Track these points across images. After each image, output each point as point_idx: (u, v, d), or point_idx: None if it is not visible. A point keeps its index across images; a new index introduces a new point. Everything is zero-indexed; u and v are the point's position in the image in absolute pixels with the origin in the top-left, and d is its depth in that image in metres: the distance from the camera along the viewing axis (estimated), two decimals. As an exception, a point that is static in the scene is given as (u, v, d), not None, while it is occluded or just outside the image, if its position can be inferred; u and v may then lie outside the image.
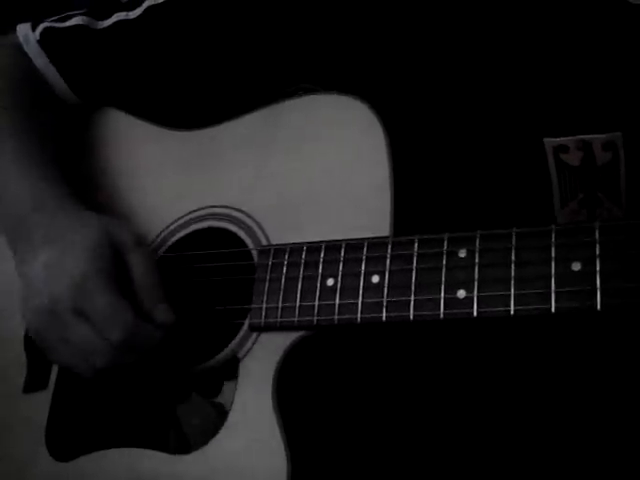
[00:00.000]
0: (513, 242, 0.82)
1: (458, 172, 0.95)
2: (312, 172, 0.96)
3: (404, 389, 0.93)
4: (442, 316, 0.84)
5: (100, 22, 1.13)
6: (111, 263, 0.96)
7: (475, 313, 0.82)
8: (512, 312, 0.81)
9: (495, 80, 0.97)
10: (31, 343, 1.08)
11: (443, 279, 0.84)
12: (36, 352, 1.07)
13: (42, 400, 1.05)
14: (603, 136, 0.91)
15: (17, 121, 1.10)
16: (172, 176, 1.07)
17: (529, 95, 0.95)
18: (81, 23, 1.13)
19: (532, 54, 0.96)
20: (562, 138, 0.93)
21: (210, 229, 1.02)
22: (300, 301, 0.91)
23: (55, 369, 1.06)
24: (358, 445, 0.92)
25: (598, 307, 0.77)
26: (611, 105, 0.93)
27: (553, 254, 0.80)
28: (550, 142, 0.93)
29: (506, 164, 0.95)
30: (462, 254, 0.85)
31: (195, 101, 1.11)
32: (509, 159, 0.95)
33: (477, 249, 0.84)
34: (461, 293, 0.83)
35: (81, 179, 1.12)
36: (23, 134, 1.09)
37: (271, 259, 0.95)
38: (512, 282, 0.81)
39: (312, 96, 1.00)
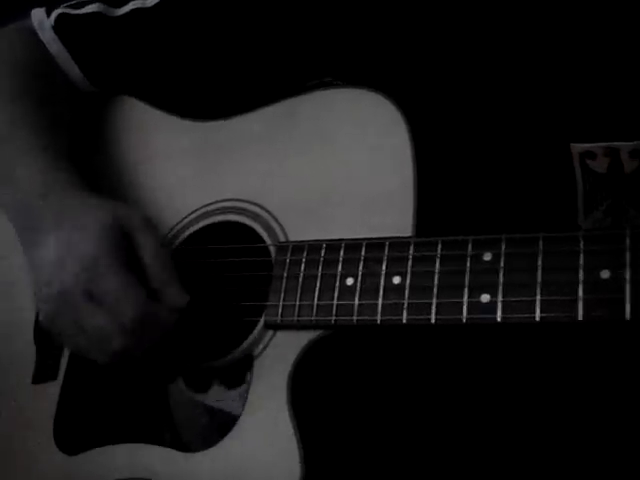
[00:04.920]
0: (540, 247, 0.80)
1: (482, 174, 0.93)
2: (333, 167, 0.94)
3: (420, 390, 0.91)
4: (465, 320, 0.82)
5: (116, 10, 1.11)
6: (120, 245, 0.95)
7: (499, 318, 0.80)
8: (537, 318, 0.79)
9: (523, 83, 0.95)
10: (41, 333, 1.07)
11: (467, 282, 0.82)
12: (46, 342, 1.07)
13: (51, 391, 1.04)
14: (631, 144, 0.89)
15: (29, 108, 1.08)
16: (187, 167, 1.05)
17: (557, 99, 0.93)
18: (97, 10, 1.10)
19: (562, 58, 0.94)
20: (589, 144, 0.91)
21: (225, 223, 1.00)
22: (318, 300, 0.89)
23: (65, 360, 1.05)
24: (372, 446, 0.90)
25: (627, 317, 0.75)
26: None
27: (581, 261, 0.78)
28: (577, 147, 0.91)
29: (531, 168, 0.93)
30: (487, 257, 0.83)
31: (212, 92, 1.08)
32: (535, 163, 0.93)
33: (503, 253, 0.82)
34: (485, 297, 0.81)
35: (94, 168, 1.09)
36: (35, 122, 1.07)
37: (289, 256, 0.93)
38: (538, 288, 0.79)
39: (332, 89, 0.98)
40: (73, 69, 1.13)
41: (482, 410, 0.92)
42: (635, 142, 0.89)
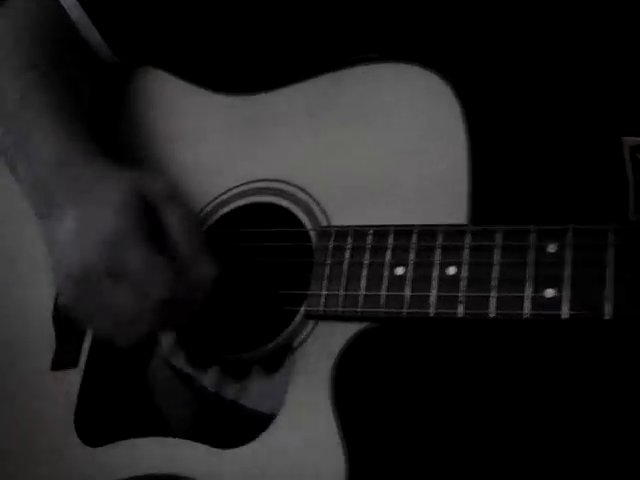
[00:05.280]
0: (610, 239, 0.75)
1: (532, 166, 0.88)
2: (379, 148, 0.88)
3: (467, 386, 0.86)
4: (527, 316, 0.77)
5: None
6: (144, 218, 0.87)
7: (566, 315, 0.75)
8: (608, 316, 0.74)
9: (575, 76, 0.90)
10: (60, 316, 1.01)
11: (529, 275, 0.77)
12: (66, 326, 1.00)
13: (72, 379, 0.98)
14: None
15: (48, 75, 1.01)
16: (218, 144, 0.98)
17: (608, 93, 0.89)
18: None
19: (615, 52, 0.90)
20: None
21: (260, 204, 0.94)
22: (365, 290, 0.84)
23: (87, 346, 0.99)
24: (418, 443, 0.85)
25: None
26: None
27: (656, 255, 0.73)
28: (628, 141, 0.87)
29: (582, 161, 0.88)
30: (551, 249, 0.77)
31: (247, 63, 1.01)
32: (585, 156, 0.88)
33: (569, 244, 0.77)
34: (549, 292, 0.76)
35: (116, 143, 1.03)
36: (53, 88, 1.00)
37: (332, 241, 0.87)
38: (609, 283, 0.74)
39: (379, 64, 0.92)
40: (94, 36, 1.05)
41: (521, 406, 0.88)
42: None
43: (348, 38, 0.96)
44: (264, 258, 0.94)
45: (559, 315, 0.75)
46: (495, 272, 0.78)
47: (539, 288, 0.76)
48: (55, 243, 0.90)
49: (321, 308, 0.85)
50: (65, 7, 1.05)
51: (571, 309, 0.75)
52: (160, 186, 0.90)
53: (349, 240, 0.86)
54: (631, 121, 0.87)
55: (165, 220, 0.89)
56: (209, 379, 0.93)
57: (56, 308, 1.02)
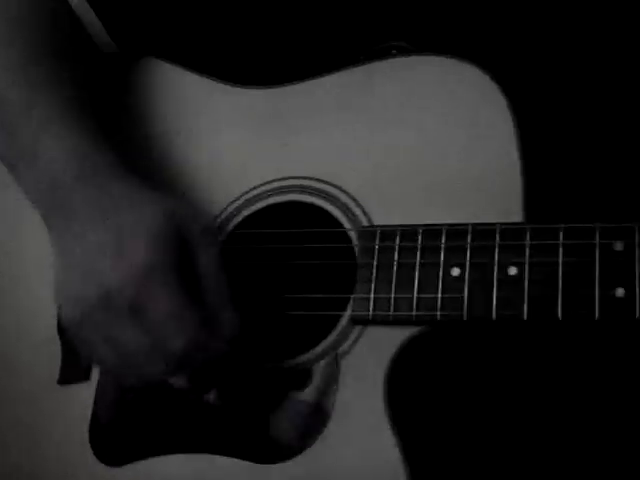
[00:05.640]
0: (680, 237, 0.74)
1: (575, 162, 0.86)
2: (422, 144, 0.84)
3: (522, 389, 0.83)
4: (598, 316, 0.74)
5: None
6: (177, 257, 0.80)
7: (639, 314, 0.73)
8: (683, 314, 0.72)
9: (605, 61, 0.89)
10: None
11: (597, 275, 0.75)
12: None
13: (83, 394, 0.91)
14: None
15: (51, 69, 0.92)
16: (242, 139, 0.92)
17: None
18: None
19: None
20: None
21: (290, 203, 0.89)
22: (418, 292, 0.80)
23: (99, 358, 0.92)
24: (474, 447, 0.82)
25: None
26: None
27: None
28: None
29: (622, 156, 0.87)
30: (618, 247, 0.75)
31: (267, 52, 0.95)
32: (625, 151, 0.87)
33: (638, 243, 0.75)
34: (620, 291, 0.74)
35: (127, 141, 0.96)
36: (60, 86, 0.91)
37: (378, 242, 0.83)
38: (682, 281, 0.73)
39: (415, 57, 0.88)
40: (96, 25, 0.98)
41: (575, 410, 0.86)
42: None
43: (376, 27, 0.92)
44: (295, 261, 0.89)
45: (634, 315, 0.73)
46: (560, 271, 0.76)
47: (609, 288, 0.75)
48: (72, 258, 0.81)
49: (370, 312, 0.81)
50: None
51: (645, 309, 0.73)
52: (197, 220, 0.83)
53: (397, 240, 0.82)
54: None
55: (197, 259, 0.81)
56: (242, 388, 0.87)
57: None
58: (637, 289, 0.74)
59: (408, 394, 0.80)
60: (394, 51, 0.92)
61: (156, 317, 0.78)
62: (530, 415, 0.83)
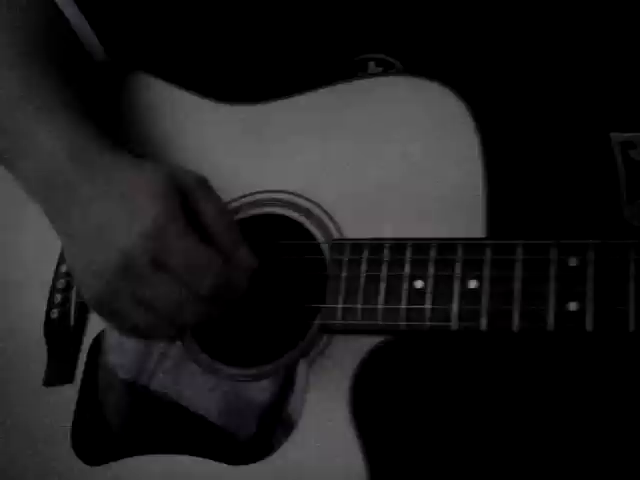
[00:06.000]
0: (632, 255, 0.77)
1: (525, 167, 0.90)
2: (389, 162, 0.88)
3: (482, 397, 0.87)
4: (551, 328, 0.78)
5: None
6: (182, 209, 0.84)
7: (590, 328, 0.77)
8: (632, 329, 0.76)
9: (563, 74, 0.93)
10: (53, 329, 0.97)
11: (552, 289, 0.79)
12: (59, 339, 0.97)
13: (67, 395, 0.95)
14: None
15: (46, 71, 0.96)
16: (222, 155, 0.97)
17: (597, 89, 0.92)
18: None
19: (601, 48, 0.93)
20: (629, 134, 0.90)
21: (267, 216, 0.93)
22: (385, 303, 0.84)
23: (83, 360, 0.96)
24: (439, 455, 0.86)
25: None
26: None
27: (677, 270, 0.76)
28: (616, 137, 0.90)
29: (572, 158, 0.90)
30: (573, 263, 0.79)
31: (249, 70, 1.00)
32: (575, 153, 0.91)
33: (591, 259, 0.78)
34: (572, 306, 0.78)
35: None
36: (57, 88, 0.95)
37: (348, 255, 0.87)
38: (631, 298, 0.76)
39: (387, 77, 0.93)
40: (89, 35, 1.02)
41: (540, 418, 0.90)
42: None
43: (356, 40, 0.97)
44: (273, 271, 0.93)
45: (584, 328, 0.77)
46: (517, 286, 0.80)
47: (562, 302, 0.78)
48: (81, 238, 0.85)
49: (338, 322, 0.85)
50: (59, 5, 1.01)
51: (595, 322, 0.77)
52: (193, 176, 0.87)
53: (365, 253, 0.86)
54: (619, 117, 0.90)
55: (200, 209, 0.86)
56: (220, 392, 0.91)
57: (48, 321, 0.98)
58: (588, 304, 0.78)
59: (372, 400, 0.84)
60: (371, 62, 0.96)
61: (179, 265, 0.82)
62: (491, 420, 0.87)
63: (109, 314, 0.85)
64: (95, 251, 0.83)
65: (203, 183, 0.87)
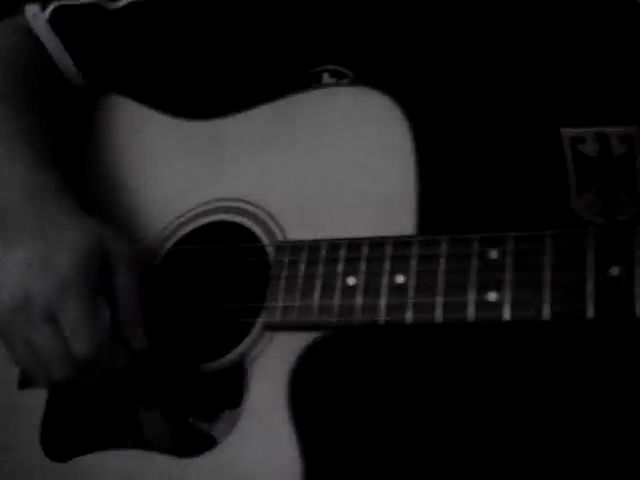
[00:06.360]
0: (548, 244, 0.79)
1: (475, 163, 0.92)
2: (331, 166, 0.92)
3: (424, 392, 0.89)
4: (471, 319, 0.80)
5: (113, 2, 1.09)
6: (97, 273, 0.90)
7: (507, 317, 0.79)
8: (546, 317, 0.77)
9: (513, 70, 0.95)
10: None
11: (473, 281, 0.81)
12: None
13: (38, 397, 1.00)
14: (620, 129, 0.90)
15: (17, 103, 1.04)
16: (181, 167, 1.02)
17: (547, 85, 0.94)
18: (94, 2, 1.08)
19: (551, 44, 0.95)
20: (579, 129, 0.92)
21: (222, 223, 0.98)
22: (319, 300, 0.87)
23: (53, 365, 1.02)
24: (374, 449, 0.88)
25: (638, 315, 0.74)
26: (629, 99, 0.92)
27: (590, 258, 0.77)
28: (567, 132, 0.92)
29: (522, 153, 0.93)
30: (493, 255, 0.81)
31: (210, 88, 1.06)
32: (525, 148, 0.93)
33: (510, 251, 0.80)
34: (492, 296, 0.80)
35: (81, 166, 1.07)
36: (22, 119, 1.03)
37: (288, 256, 0.90)
38: (547, 286, 0.78)
39: (329, 88, 0.98)
40: (66, 61, 1.09)
41: (485, 411, 0.91)
42: (624, 127, 0.90)
43: (308, 53, 1.01)
44: (224, 274, 0.98)
45: (501, 317, 0.79)
46: (441, 279, 0.82)
47: (482, 292, 0.80)
48: (7, 270, 0.91)
49: (278, 319, 0.89)
50: (38, 33, 1.09)
51: (512, 312, 0.79)
52: (122, 246, 0.92)
53: (304, 254, 0.90)
54: (569, 113, 0.92)
55: (114, 279, 0.91)
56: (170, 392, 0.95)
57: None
58: (506, 294, 0.79)
59: (311, 396, 0.87)
60: (325, 73, 1.01)
61: (66, 324, 0.87)
62: (427, 417, 0.89)
63: (5, 342, 0.92)
64: (9, 285, 0.89)
65: (129, 257, 0.92)
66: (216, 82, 1.06)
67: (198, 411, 0.92)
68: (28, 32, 1.10)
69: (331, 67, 1.01)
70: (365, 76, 0.99)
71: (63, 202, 0.95)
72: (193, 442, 0.91)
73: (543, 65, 0.94)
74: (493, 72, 0.96)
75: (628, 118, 0.91)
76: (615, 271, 0.76)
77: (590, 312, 0.76)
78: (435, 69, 0.98)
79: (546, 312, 0.77)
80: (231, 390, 0.91)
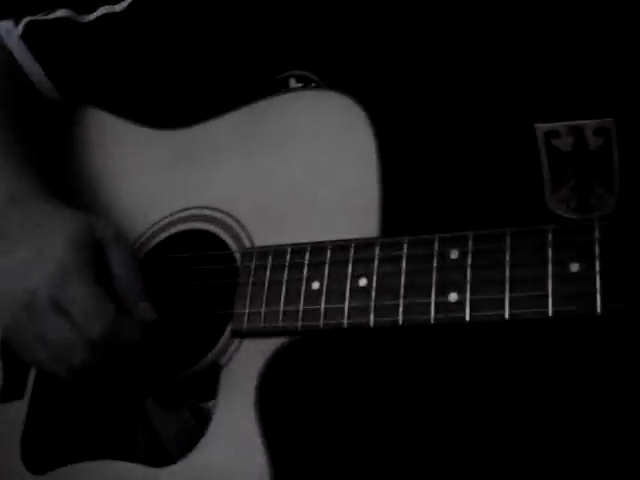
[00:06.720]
0: (507, 242, 0.78)
1: (448, 159, 0.91)
2: (296, 171, 0.92)
3: (390, 395, 0.88)
4: (433, 321, 0.79)
5: (85, 16, 1.09)
6: (91, 256, 0.91)
7: (468, 317, 0.77)
8: (507, 316, 0.76)
9: (485, 65, 0.94)
10: (7, 348, 1.04)
11: (434, 282, 0.80)
12: (12, 358, 1.03)
13: (18, 410, 1.01)
14: (595, 122, 0.88)
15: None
16: (154, 176, 1.02)
17: (520, 80, 0.92)
18: (65, 15, 1.09)
19: (523, 39, 0.93)
20: (553, 123, 0.90)
21: (193, 231, 0.98)
22: (284, 306, 0.86)
23: (32, 377, 1.02)
24: (342, 452, 0.88)
25: (598, 311, 0.73)
26: (603, 90, 0.90)
27: (550, 254, 0.76)
28: (541, 127, 0.90)
29: (496, 150, 0.91)
30: (454, 255, 0.80)
31: (182, 97, 1.06)
32: (499, 144, 0.91)
33: (470, 250, 0.79)
34: (453, 296, 0.79)
35: (60, 179, 1.07)
36: (1, 129, 1.04)
37: (254, 262, 0.90)
38: (507, 284, 0.76)
39: (296, 92, 0.97)
40: (40, 77, 1.10)
41: (458, 414, 0.90)
42: (599, 120, 0.88)
43: (275, 59, 1.01)
44: (195, 281, 0.97)
45: (463, 318, 0.78)
46: (402, 280, 0.81)
47: (443, 293, 0.79)
48: (4, 275, 0.92)
49: (244, 326, 0.88)
50: (11, 49, 1.10)
51: (472, 311, 0.77)
52: (108, 228, 0.95)
53: (269, 259, 0.89)
54: (542, 107, 0.90)
55: (110, 261, 0.93)
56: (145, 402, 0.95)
57: (4, 340, 1.05)
58: (467, 293, 0.78)
59: (278, 400, 0.86)
60: (292, 78, 1.00)
61: (74, 308, 0.88)
62: (395, 420, 0.88)
63: (16, 344, 0.93)
64: (7, 286, 0.91)
65: (119, 238, 0.94)
66: (184, 91, 1.06)
67: (194, 394, 0.93)
68: (2, 49, 1.10)
69: (297, 72, 1.00)
70: (331, 80, 0.98)
71: (49, 202, 0.97)
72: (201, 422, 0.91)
73: (515, 60, 0.93)
74: (464, 68, 0.95)
75: (603, 110, 0.90)
76: (575, 267, 0.75)
77: (550, 310, 0.74)
78: (403, 68, 0.97)
79: (507, 311, 0.76)
80: None
